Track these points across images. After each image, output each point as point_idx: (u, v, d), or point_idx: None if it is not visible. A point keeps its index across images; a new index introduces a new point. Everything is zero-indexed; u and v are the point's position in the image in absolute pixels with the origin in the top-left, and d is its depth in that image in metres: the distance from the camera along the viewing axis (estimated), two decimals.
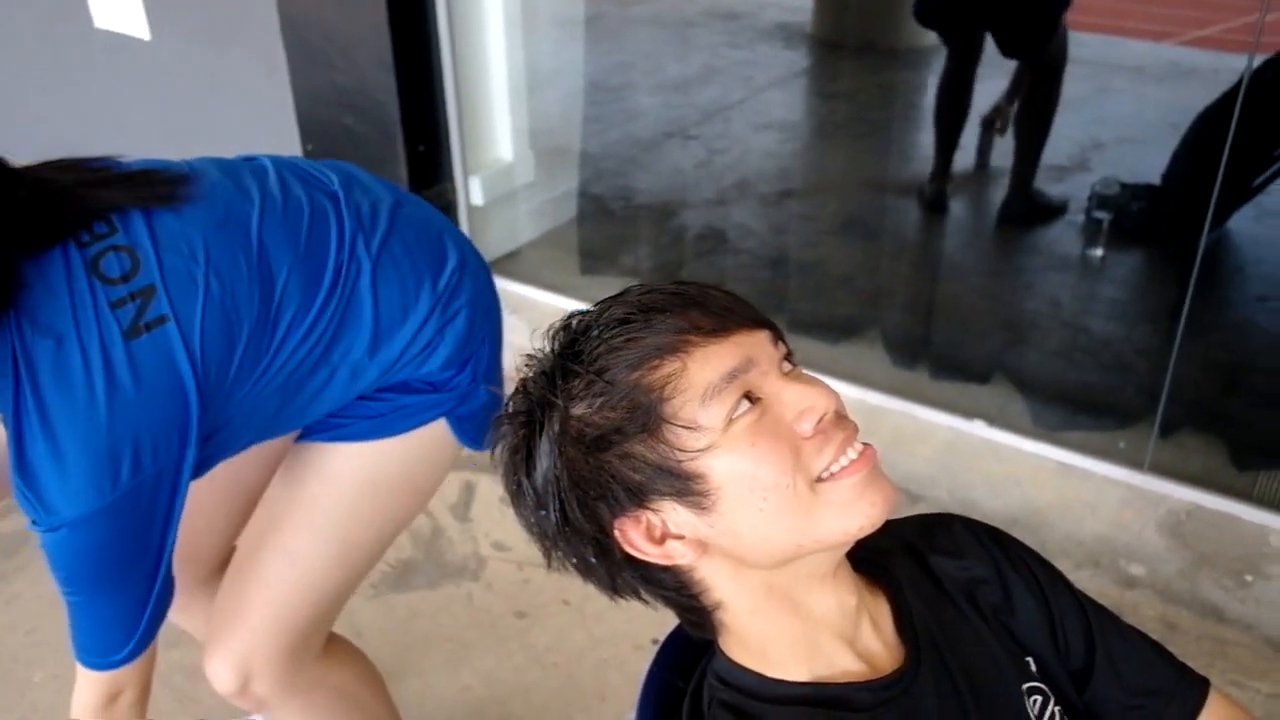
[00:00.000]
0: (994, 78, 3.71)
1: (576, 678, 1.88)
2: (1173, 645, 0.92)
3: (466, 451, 2.34)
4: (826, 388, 0.76)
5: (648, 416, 0.72)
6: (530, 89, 3.06)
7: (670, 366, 0.72)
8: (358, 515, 1.21)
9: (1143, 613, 1.93)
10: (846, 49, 4.00)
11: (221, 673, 1.23)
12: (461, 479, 2.33)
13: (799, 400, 0.74)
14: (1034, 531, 2.13)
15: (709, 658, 0.84)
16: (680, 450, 0.72)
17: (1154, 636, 0.91)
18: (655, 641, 0.92)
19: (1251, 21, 2.07)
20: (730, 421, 0.72)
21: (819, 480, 0.73)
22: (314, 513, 1.19)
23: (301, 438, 1.19)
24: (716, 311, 0.75)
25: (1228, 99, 2.16)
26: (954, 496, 2.23)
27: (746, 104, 3.80)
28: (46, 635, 1.89)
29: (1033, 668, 0.86)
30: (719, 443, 0.72)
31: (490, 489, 2.30)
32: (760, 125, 3.71)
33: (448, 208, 2.94)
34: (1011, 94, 2.85)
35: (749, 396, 0.73)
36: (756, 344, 0.75)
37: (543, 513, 0.77)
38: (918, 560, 0.89)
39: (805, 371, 0.79)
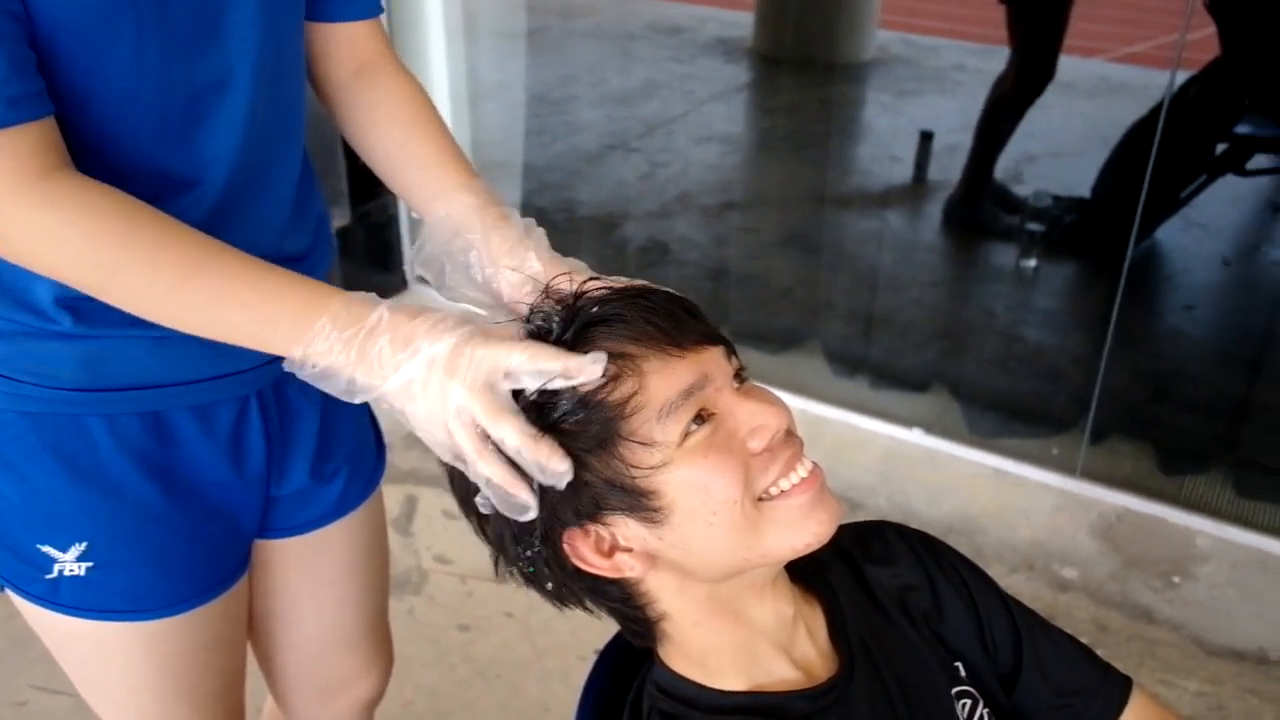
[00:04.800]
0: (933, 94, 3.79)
1: (521, 690, 1.88)
2: (1104, 646, 0.95)
3: (409, 465, 2.34)
4: (779, 405, 0.76)
5: (604, 433, 0.72)
6: (472, 101, 3.06)
7: (627, 384, 0.72)
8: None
9: (1075, 615, 1.98)
10: (786, 63, 4.06)
11: (381, 678, 1.27)
12: (404, 492, 2.31)
13: (752, 418, 0.74)
14: (969, 537, 2.17)
15: (648, 667, 0.85)
16: (635, 467, 0.72)
17: (1086, 638, 0.93)
18: (599, 653, 0.92)
19: (1176, 39, 2.14)
20: (684, 437, 0.72)
21: (760, 499, 0.74)
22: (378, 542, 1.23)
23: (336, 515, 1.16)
24: (673, 327, 0.74)
25: (1153, 114, 2.23)
26: (893, 504, 2.27)
27: (689, 117, 3.83)
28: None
29: (962, 672, 0.88)
30: (674, 458, 0.72)
31: (432, 502, 2.29)
32: (702, 138, 3.74)
33: (389, 222, 2.92)
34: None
35: (702, 413, 0.73)
36: (712, 360, 0.75)
37: (495, 522, 0.77)
38: (852, 569, 0.91)
39: (758, 385, 0.79)
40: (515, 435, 0.70)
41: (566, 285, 0.77)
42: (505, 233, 0.87)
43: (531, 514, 0.72)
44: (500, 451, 0.72)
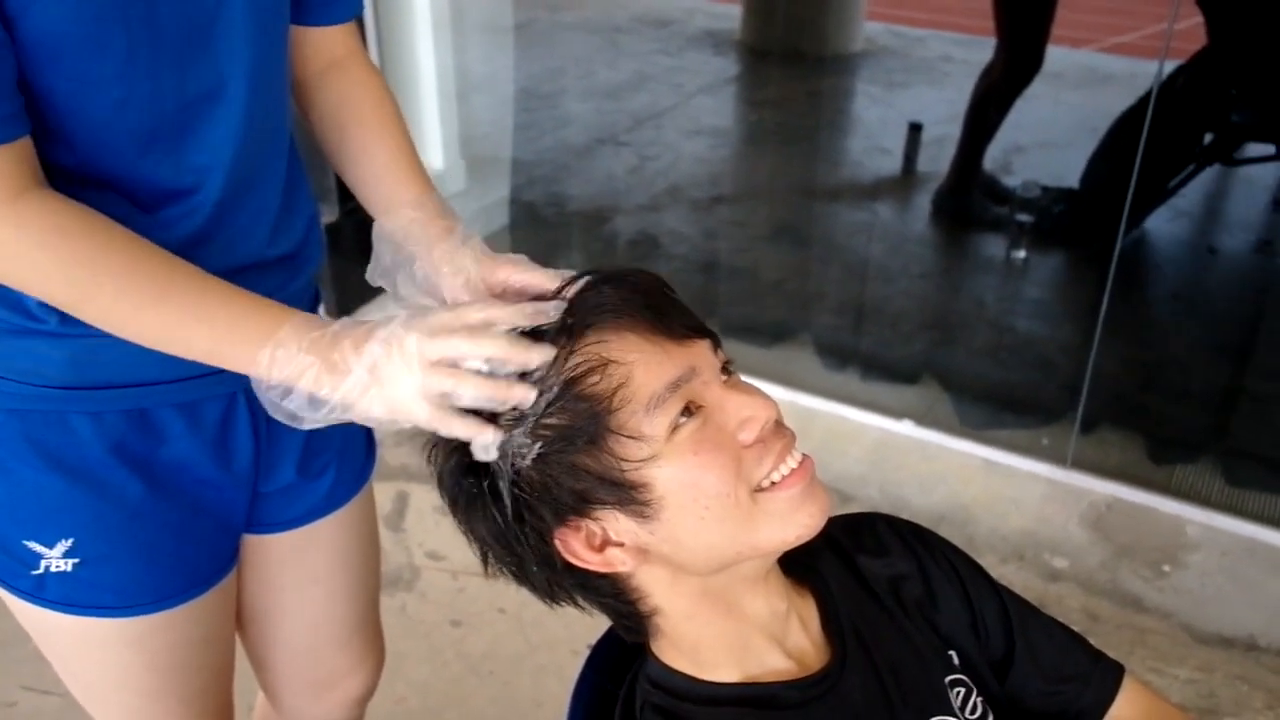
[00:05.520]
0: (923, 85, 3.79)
1: (513, 686, 1.88)
2: (1095, 635, 0.95)
3: (399, 461, 2.33)
4: (766, 396, 0.76)
5: (593, 428, 0.72)
6: (460, 96, 3.05)
7: (616, 377, 0.72)
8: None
9: (1066, 604, 1.98)
10: (775, 55, 4.05)
11: (373, 674, 1.27)
12: (395, 489, 2.31)
13: (741, 409, 0.74)
14: (961, 527, 2.17)
15: (640, 661, 0.85)
16: (624, 460, 0.72)
17: (1077, 627, 0.93)
18: (591, 648, 0.92)
19: (1164, 29, 2.14)
20: (673, 431, 0.72)
21: (758, 490, 0.74)
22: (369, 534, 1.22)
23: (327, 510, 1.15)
24: (660, 320, 0.74)
25: (1141, 104, 2.24)
26: (885, 495, 2.27)
27: (677, 110, 3.83)
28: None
29: (955, 660, 0.88)
30: (662, 452, 0.72)
31: (424, 498, 2.29)
32: (691, 131, 3.74)
33: None
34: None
35: (690, 406, 0.73)
36: (698, 353, 0.75)
37: (483, 519, 0.77)
38: (843, 559, 0.91)
39: (743, 379, 0.79)
40: (495, 343, 0.73)
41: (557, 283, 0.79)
42: (446, 244, 0.89)
43: (532, 398, 0.73)
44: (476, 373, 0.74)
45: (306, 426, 0.78)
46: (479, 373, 0.74)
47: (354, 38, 1.04)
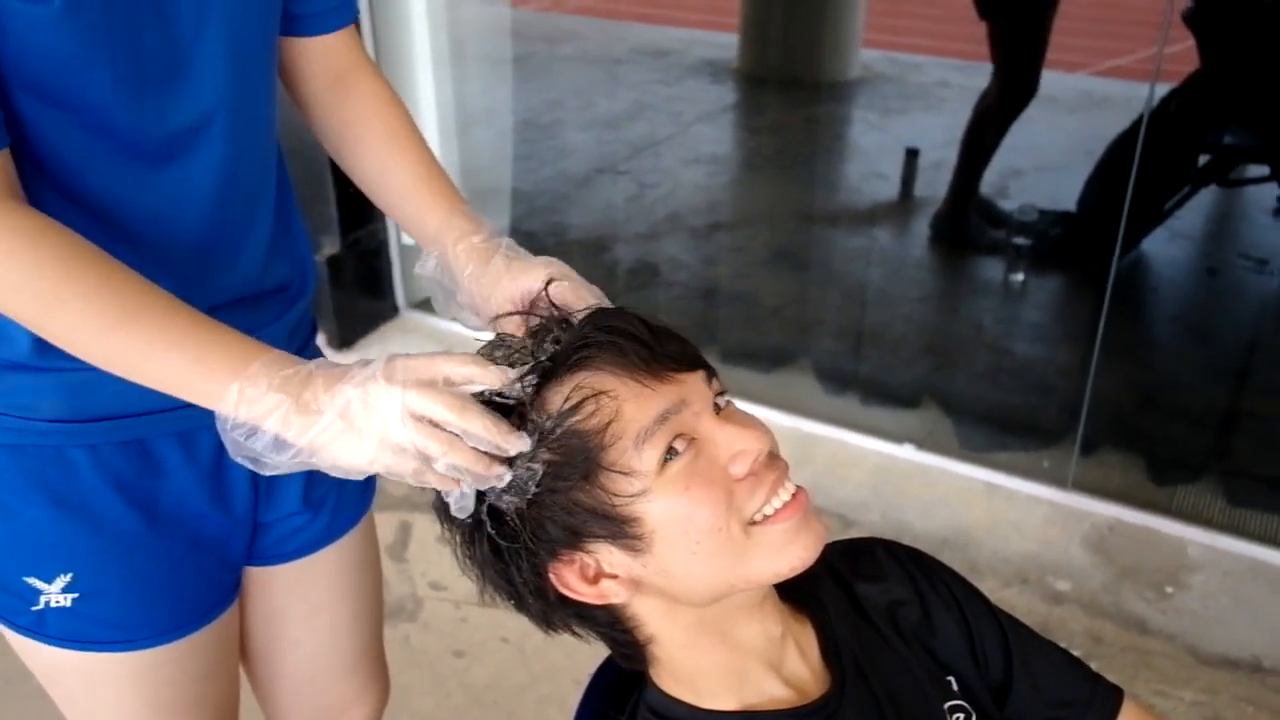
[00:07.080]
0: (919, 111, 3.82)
1: (517, 715, 1.87)
2: (1099, 658, 0.96)
3: (402, 492, 2.34)
4: (760, 428, 0.77)
5: (586, 464, 0.72)
6: (460, 128, 3.08)
7: (605, 413, 0.72)
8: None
9: (1070, 627, 1.98)
10: (772, 83, 4.09)
11: (378, 702, 1.27)
12: (398, 519, 2.31)
13: (732, 442, 0.74)
14: (963, 551, 2.17)
15: (640, 689, 0.85)
16: (615, 495, 0.72)
17: (1081, 650, 0.94)
18: (592, 676, 0.93)
19: (1155, 53, 2.16)
20: (664, 464, 0.72)
21: (751, 523, 0.75)
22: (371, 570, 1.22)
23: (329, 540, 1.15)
24: (648, 355, 0.74)
25: (1135, 127, 2.26)
26: (886, 520, 2.27)
27: (676, 139, 3.86)
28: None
29: (954, 686, 0.88)
30: (653, 487, 0.72)
31: (427, 529, 2.29)
32: (690, 159, 3.77)
33: (379, 249, 2.93)
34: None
35: (681, 437, 0.73)
36: (689, 385, 0.75)
37: (479, 550, 0.78)
38: (842, 586, 0.91)
39: (738, 408, 0.79)
40: (480, 422, 0.71)
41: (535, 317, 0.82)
42: (472, 260, 0.91)
43: (508, 476, 0.73)
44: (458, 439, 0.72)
45: (268, 472, 0.73)
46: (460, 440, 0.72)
47: (356, 48, 1.03)
